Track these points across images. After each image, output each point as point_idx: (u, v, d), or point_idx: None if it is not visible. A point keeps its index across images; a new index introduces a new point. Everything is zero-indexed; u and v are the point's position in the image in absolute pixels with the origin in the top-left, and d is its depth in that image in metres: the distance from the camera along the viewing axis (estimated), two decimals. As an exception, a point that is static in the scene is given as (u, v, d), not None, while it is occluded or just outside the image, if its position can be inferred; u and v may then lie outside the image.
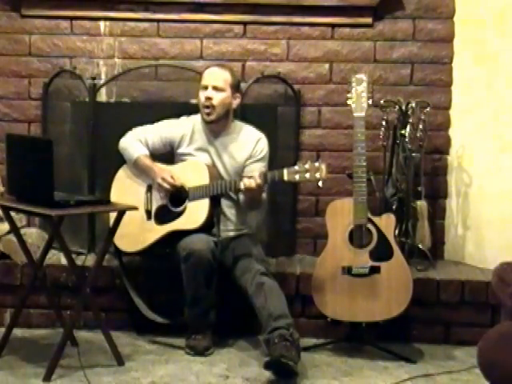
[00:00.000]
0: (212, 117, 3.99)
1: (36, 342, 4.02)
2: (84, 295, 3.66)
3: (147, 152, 4.06)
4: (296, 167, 3.70)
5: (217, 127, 4.04)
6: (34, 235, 4.23)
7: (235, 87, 4.03)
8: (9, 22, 4.50)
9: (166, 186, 3.96)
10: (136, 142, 4.06)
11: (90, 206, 3.72)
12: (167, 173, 3.98)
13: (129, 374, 3.65)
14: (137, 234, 4.01)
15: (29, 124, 4.54)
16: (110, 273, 4.14)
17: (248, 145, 4.05)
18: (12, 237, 4.02)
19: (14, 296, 4.08)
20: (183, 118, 4.13)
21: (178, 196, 3.98)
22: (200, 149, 4.05)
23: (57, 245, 3.94)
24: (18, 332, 4.00)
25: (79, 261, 4.12)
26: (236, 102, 4.05)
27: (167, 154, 4.11)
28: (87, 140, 4.37)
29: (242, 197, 3.98)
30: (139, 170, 4.07)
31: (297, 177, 3.69)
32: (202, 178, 3.94)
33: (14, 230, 3.85)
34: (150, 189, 4.05)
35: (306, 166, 3.68)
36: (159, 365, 3.77)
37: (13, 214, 3.84)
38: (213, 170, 4.00)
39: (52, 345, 3.74)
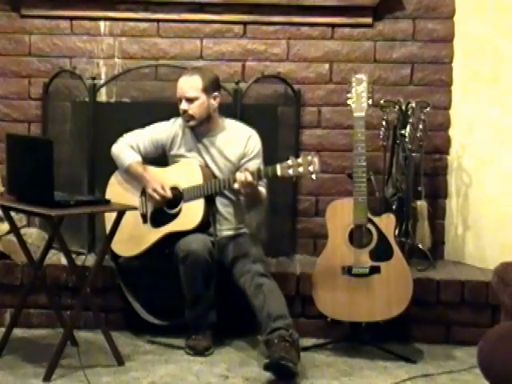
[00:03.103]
0: (192, 123, 3.98)
1: (36, 342, 4.02)
2: (84, 295, 3.66)
3: (139, 158, 4.05)
4: (289, 162, 3.67)
5: (200, 129, 4.02)
6: (34, 235, 4.23)
7: (210, 88, 3.96)
8: (9, 22, 4.50)
9: (157, 197, 3.95)
10: (127, 149, 4.05)
11: (90, 206, 3.72)
12: (158, 183, 3.96)
13: (129, 374, 3.64)
14: (133, 238, 4.00)
15: (29, 124, 4.54)
16: (109, 273, 4.14)
17: (239, 142, 4.02)
18: (12, 237, 4.02)
19: (14, 296, 4.07)
20: (173, 120, 4.11)
21: (172, 198, 3.97)
22: (191, 149, 4.04)
23: (57, 245, 3.94)
24: (18, 332, 4.00)
25: (79, 261, 4.12)
26: (215, 102, 4.00)
27: (160, 157, 4.10)
28: (87, 140, 4.37)
29: (242, 197, 3.97)
30: (131, 177, 4.07)
31: (290, 171, 3.67)
32: (196, 179, 3.93)
33: (14, 229, 3.84)
34: (144, 192, 4.04)
35: (299, 160, 3.66)
36: (159, 365, 3.77)
37: (13, 214, 3.84)
38: (206, 170, 3.99)
39: (52, 345, 3.73)
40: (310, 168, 3.64)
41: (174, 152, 4.07)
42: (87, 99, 4.38)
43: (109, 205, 3.78)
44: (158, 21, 4.50)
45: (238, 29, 4.51)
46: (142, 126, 4.11)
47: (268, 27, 4.51)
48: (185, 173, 3.98)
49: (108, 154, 4.25)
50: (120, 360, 3.73)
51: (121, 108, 4.47)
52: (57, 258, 4.19)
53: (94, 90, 4.35)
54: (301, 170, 3.66)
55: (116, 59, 4.51)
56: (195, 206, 3.90)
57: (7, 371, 3.62)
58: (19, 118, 4.54)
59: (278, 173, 3.70)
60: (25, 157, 3.62)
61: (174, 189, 3.98)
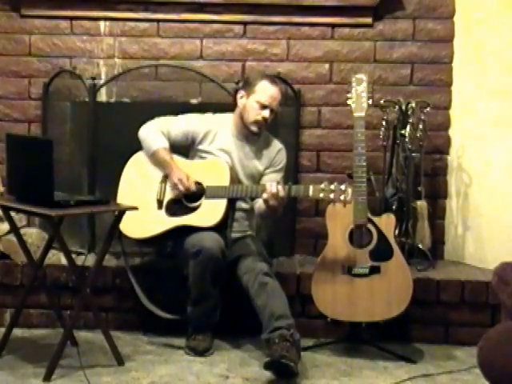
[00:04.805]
0: (261, 130, 4.03)
1: (36, 342, 4.02)
2: (84, 295, 3.66)
3: (167, 145, 4.02)
4: (322, 185, 3.70)
5: (247, 134, 4.05)
6: (34, 235, 4.23)
7: None
8: (9, 22, 4.50)
9: (181, 188, 3.93)
10: (157, 133, 4.02)
11: (90, 206, 3.71)
12: (184, 174, 3.95)
13: (129, 374, 3.64)
14: (144, 221, 3.94)
15: (29, 124, 4.54)
16: (110, 273, 4.14)
17: (269, 153, 4.08)
18: (12, 237, 4.02)
19: (14, 296, 4.08)
20: (209, 115, 4.11)
21: (193, 191, 3.95)
22: (222, 149, 4.03)
23: (57, 245, 3.93)
24: (18, 332, 4.00)
25: (79, 261, 4.11)
26: None
27: (183, 147, 4.08)
28: (87, 140, 4.37)
29: (258, 205, 3.96)
30: (156, 162, 4.04)
31: (321, 195, 3.70)
32: (223, 179, 3.91)
33: (14, 230, 3.84)
34: (165, 179, 4.01)
35: (332, 186, 3.68)
36: (159, 365, 3.77)
37: (13, 214, 3.84)
38: (234, 172, 3.98)
39: (52, 345, 3.73)
40: (342, 197, 3.68)
41: (202, 147, 4.05)
42: (87, 99, 4.37)
43: (109, 205, 3.78)
44: (158, 21, 4.50)
45: (238, 29, 4.51)
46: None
47: (268, 27, 4.51)
48: (212, 171, 3.96)
49: (108, 154, 4.26)
50: (120, 360, 3.73)
51: (121, 108, 4.47)
52: (57, 258, 4.18)
53: (94, 90, 4.35)
54: (332, 196, 3.69)
55: (116, 59, 4.51)
56: (217, 205, 3.87)
57: (7, 371, 3.62)
58: (19, 118, 4.54)
59: (310, 193, 3.73)
60: (25, 157, 3.61)
61: (198, 183, 3.95)
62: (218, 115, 4.12)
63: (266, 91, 3.99)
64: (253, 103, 3.99)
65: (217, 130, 4.05)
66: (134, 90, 4.50)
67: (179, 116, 4.08)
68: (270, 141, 4.12)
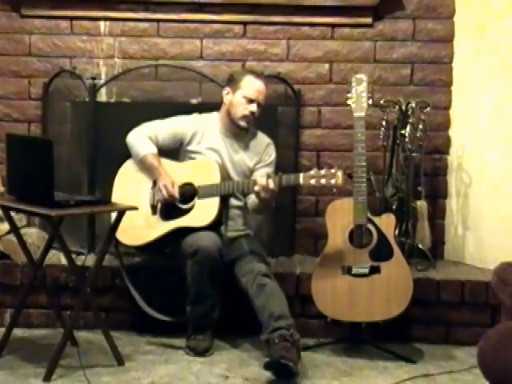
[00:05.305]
0: (249, 125, 4.04)
1: (36, 342, 4.02)
2: (84, 295, 3.66)
3: (155, 150, 4.03)
4: (312, 172, 3.71)
5: (234, 131, 4.05)
6: (34, 235, 4.23)
7: None
8: (9, 22, 4.50)
9: (165, 194, 3.93)
10: (145, 139, 4.03)
11: (90, 206, 3.71)
12: (169, 181, 3.95)
13: (129, 374, 3.64)
14: (140, 228, 3.97)
15: (29, 124, 4.54)
16: (110, 273, 4.14)
17: (258, 148, 4.08)
18: (12, 237, 4.02)
19: (14, 296, 4.07)
20: (195, 115, 4.12)
21: (185, 193, 3.96)
22: (211, 148, 4.04)
23: (57, 245, 3.93)
24: (18, 332, 4.00)
25: (79, 261, 4.12)
26: None
27: (173, 149, 4.09)
28: (87, 140, 4.37)
29: (251, 200, 3.96)
30: (145, 167, 4.05)
31: (312, 181, 3.70)
32: (213, 177, 3.92)
33: (14, 230, 3.84)
34: (156, 184, 4.02)
35: (322, 171, 3.69)
36: (159, 365, 3.77)
37: (13, 213, 3.84)
38: (223, 169, 3.98)
39: (52, 345, 3.73)
40: (332, 181, 3.68)
41: (191, 147, 4.05)
42: (87, 99, 4.38)
43: (109, 205, 3.78)
44: (158, 21, 4.50)
45: (238, 29, 4.51)
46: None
47: (268, 27, 4.51)
48: (202, 170, 3.96)
49: (108, 154, 4.25)
50: (120, 360, 3.73)
51: (121, 108, 4.47)
52: (57, 258, 4.18)
53: (94, 90, 4.35)
54: (323, 181, 3.69)
55: (116, 59, 4.51)
56: (210, 204, 3.88)
57: (7, 371, 3.62)
58: (19, 118, 4.54)
59: (301, 181, 3.73)
60: (25, 157, 3.61)
61: (189, 184, 3.96)
62: (205, 115, 4.12)
63: (252, 85, 4.00)
64: (239, 98, 3.99)
65: (204, 130, 4.06)
66: (134, 90, 4.50)
67: (166, 119, 4.09)
68: (257, 136, 4.12)
